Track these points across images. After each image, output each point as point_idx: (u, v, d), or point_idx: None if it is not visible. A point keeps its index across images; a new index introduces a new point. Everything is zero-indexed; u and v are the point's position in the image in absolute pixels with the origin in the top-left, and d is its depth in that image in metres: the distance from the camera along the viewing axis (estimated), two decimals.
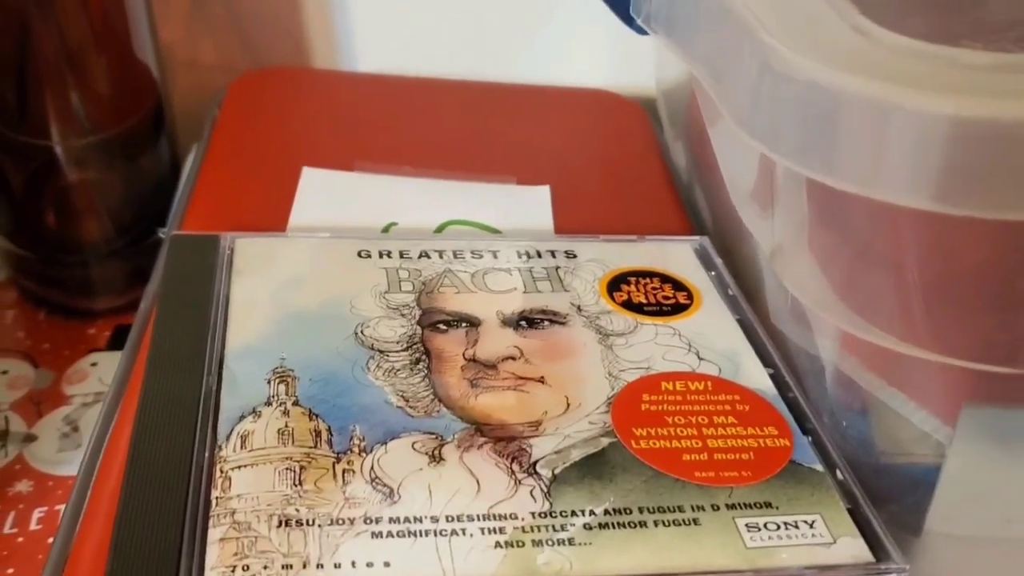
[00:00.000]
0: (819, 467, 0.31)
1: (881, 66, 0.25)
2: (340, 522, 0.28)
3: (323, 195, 0.43)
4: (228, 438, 0.30)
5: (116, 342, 0.46)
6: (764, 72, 0.26)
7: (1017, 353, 0.27)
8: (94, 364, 0.45)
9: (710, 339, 0.36)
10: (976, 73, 0.25)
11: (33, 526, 0.37)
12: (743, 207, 0.35)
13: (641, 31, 0.36)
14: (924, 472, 0.32)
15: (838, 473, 0.31)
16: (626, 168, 0.49)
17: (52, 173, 0.45)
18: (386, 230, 0.41)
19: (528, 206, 0.44)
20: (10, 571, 0.35)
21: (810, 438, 0.32)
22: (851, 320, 0.30)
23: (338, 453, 0.30)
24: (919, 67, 0.25)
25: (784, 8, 0.28)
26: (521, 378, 0.34)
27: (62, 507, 0.38)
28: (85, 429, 0.42)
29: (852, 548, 0.29)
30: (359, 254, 0.39)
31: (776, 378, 0.35)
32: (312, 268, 0.37)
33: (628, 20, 0.36)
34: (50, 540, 0.36)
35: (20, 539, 0.37)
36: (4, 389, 0.43)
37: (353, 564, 0.27)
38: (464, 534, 0.28)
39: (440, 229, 0.42)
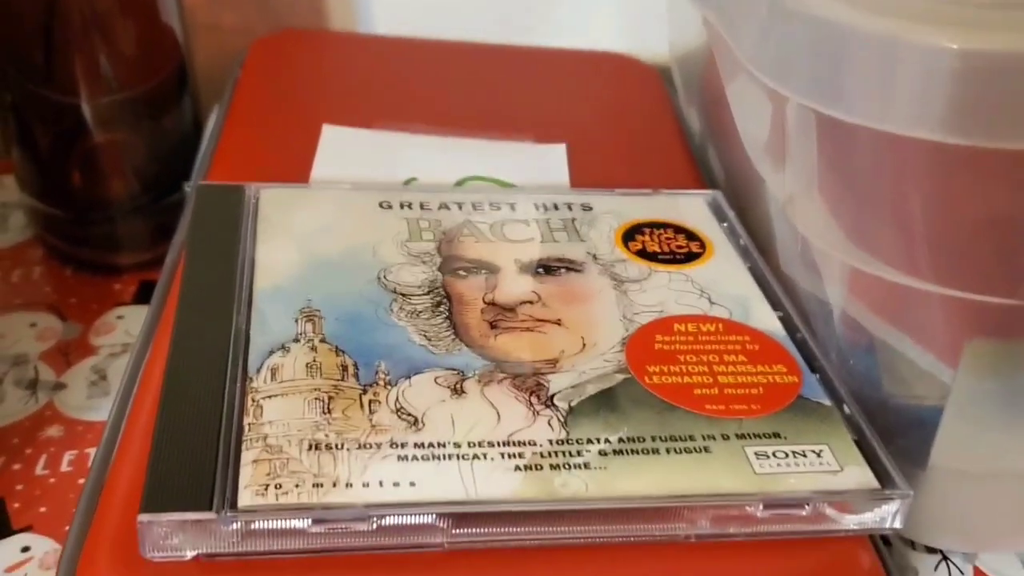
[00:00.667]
0: (826, 402, 0.32)
1: (888, 2, 0.26)
2: (367, 446, 0.29)
3: (343, 152, 0.44)
4: (259, 371, 0.31)
5: (141, 296, 0.47)
6: (774, 10, 0.27)
7: (1018, 285, 0.29)
8: (120, 317, 0.46)
9: (721, 285, 0.37)
10: (980, 9, 0.26)
11: (64, 467, 0.39)
12: (759, 159, 0.36)
13: None
14: (930, 412, 0.33)
15: (845, 408, 0.32)
16: (641, 129, 0.50)
17: (79, 133, 0.46)
18: (406, 185, 0.43)
19: (545, 163, 0.45)
20: (43, 509, 0.37)
21: (818, 375, 0.33)
22: (859, 257, 0.31)
23: (364, 385, 0.31)
24: (925, 3, 0.26)
25: None
26: (539, 320, 0.35)
27: (92, 450, 0.39)
28: (113, 378, 0.43)
29: (858, 476, 0.30)
30: (380, 205, 0.40)
31: (785, 320, 0.36)
32: (335, 218, 0.39)
33: None
34: (81, 481, 0.38)
35: (52, 480, 0.38)
36: (33, 341, 0.45)
37: (380, 483, 0.28)
38: (485, 458, 0.29)
39: (459, 184, 0.43)
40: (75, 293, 0.47)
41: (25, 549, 0.35)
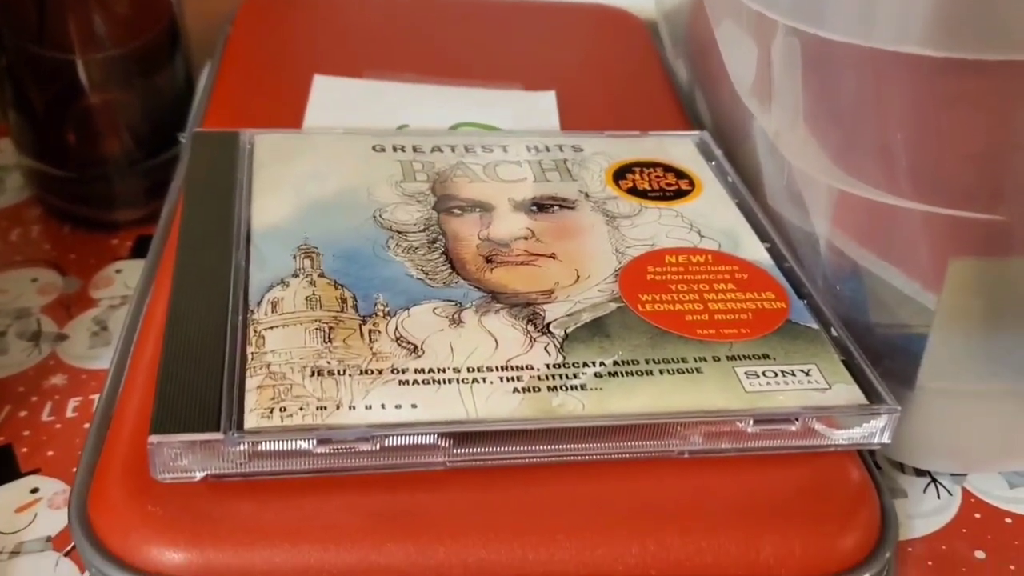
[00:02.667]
0: (814, 325, 0.33)
1: None
2: (369, 372, 0.30)
3: (335, 101, 0.45)
4: (259, 304, 0.32)
5: (138, 251, 0.48)
6: None
7: (998, 201, 0.29)
8: (119, 271, 0.47)
9: (710, 219, 0.38)
10: None
11: (69, 413, 0.39)
12: (749, 99, 0.37)
13: None
14: (916, 339, 0.34)
15: (832, 330, 0.33)
16: (629, 77, 0.50)
17: (73, 92, 0.47)
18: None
19: (535, 110, 0.46)
20: (50, 453, 0.37)
21: (806, 301, 0.34)
22: (845, 180, 0.32)
23: (364, 316, 0.32)
24: None
25: None
26: (533, 254, 0.35)
27: (96, 396, 0.40)
28: (113, 328, 0.43)
29: (846, 393, 0.31)
30: (374, 148, 0.40)
31: (773, 251, 0.37)
32: (329, 161, 0.39)
33: None
34: (86, 426, 0.38)
35: (58, 425, 0.39)
36: (35, 295, 0.45)
37: (383, 406, 0.29)
38: (484, 382, 0.30)
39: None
40: (74, 249, 0.48)
41: (34, 491, 0.36)
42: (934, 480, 0.37)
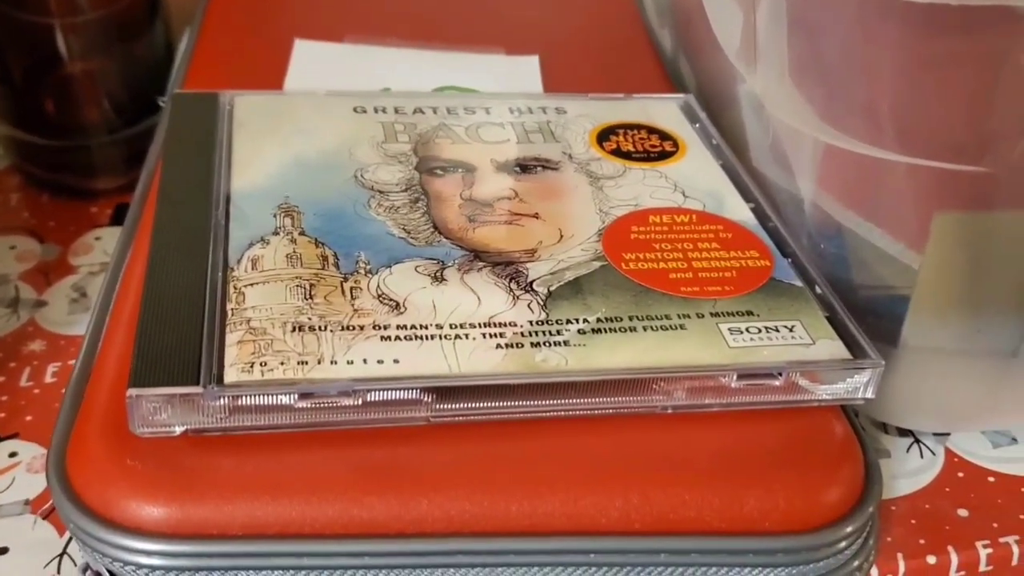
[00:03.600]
0: (798, 283, 0.33)
1: None
2: (351, 328, 0.29)
3: (316, 65, 0.44)
4: (239, 261, 0.31)
5: (118, 219, 0.48)
6: None
7: (983, 152, 0.29)
8: (98, 238, 0.46)
9: (695, 180, 0.38)
10: None
11: (48, 379, 0.39)
12: (737, 60, 0.37)
13: None
14: (898, 300, 0.34)
15: (816, 288, 0.33)
16: (614, 43, 0.50)
17: (52, 59, 0.46)
18: None
19: (518, 74, 0.46)
20: (28, 418, 0.37)
21: (790, 260, 0.34)
22: (831, 134, 0.32)
23: (345, 274, 0.31)
24: None
25: None
26: (516, 214, 0.35)
27: (75, 361, 0.39)
28: (92, 295, 0.43)
29: (830, 348, 0.31)
30: (355, 110, 0.40)
31: (757, 211, 0.36)
32: (310, 122, 0.39)
33: None
34: (64, 390, 0.38)
35: (36, 391, 0.38)
36: (13, 262, 0.45)
37: (365, 361, 0.28)
38: (467, 338, 0.30)
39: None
40: (53, 217, 0.48)
41: (12, 455, 0.36)
42: (917, 440, 0.37)
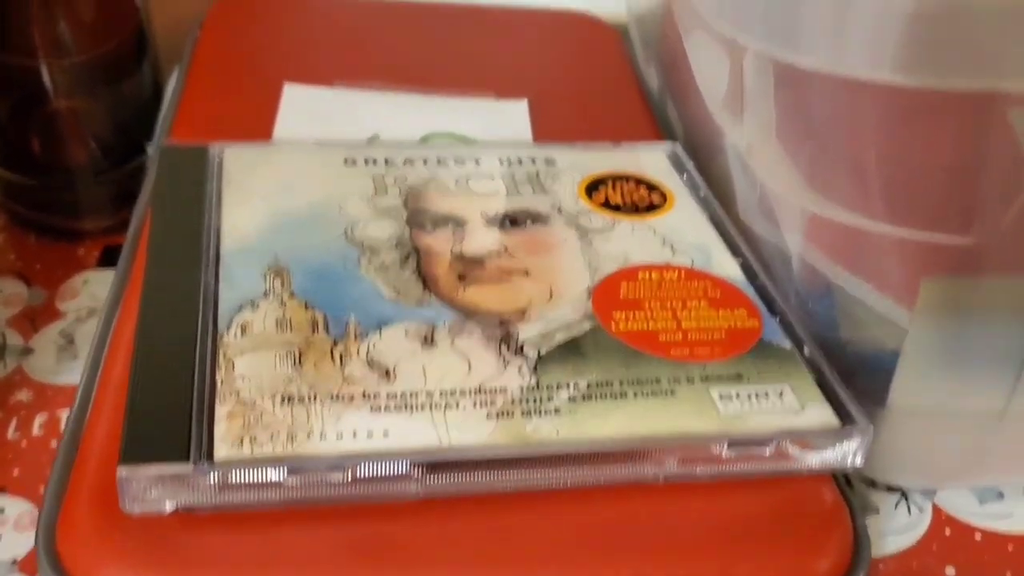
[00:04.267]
0: (787, 344, 0.33)
1: None
2: (340, 398, 0.29)
3: (305, 110, 0.44)
4: (228, 327, 0.31)
5: (105, 261, 0.47)
6: None
7: (969, 224, 0.29)
8: (85, 282, 0.46)
9: (683, 234, 0.38)
10: None
11: (35, 431, 0.39)
12: (719, 112, 0.37)
13: None
14: (887, 356, 0.34)
15: (805, 349, 0.33)
16: (601, 86, 0.50)
17: (38, 98, 0.46)
18: (369, 142, 0.43)
19: (507, 119, 0.46)
20: (15, 472, 0.37)
21: (778, 319, 0.34)
22: (816, 201, 0.32)
23: (335, 339, 0.31)
24: None
25: None
26: (506, 271, 0.35)
27: (63, 413, 0.39)
28: (80, 342, 0.43)
29: (819, 414, 0.31)
30: (345, 161, 0.40)
31: (745, 267, 0.36)
32: (300, 174, 0.39)
33: None
34: (53, 444, 0.38)
35: (23, 443, 0.38)
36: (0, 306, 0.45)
37: (354, 434, 0.28)
38: (457, 407, 0.30)
39: (422, 141, 0.44)
40: (39, 259, 0.47)
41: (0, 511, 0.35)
42: (905, 496, 0.37)
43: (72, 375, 0.41)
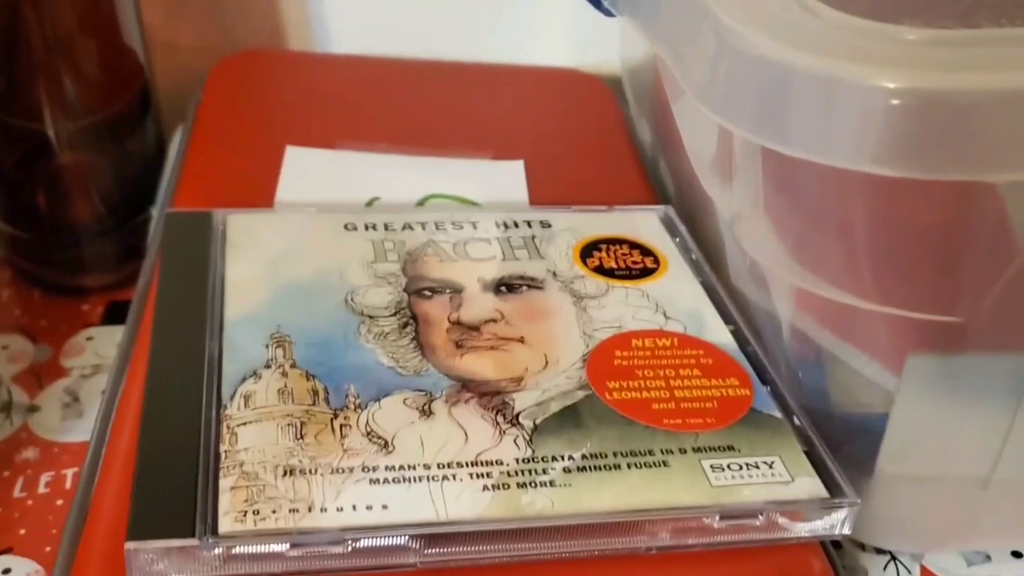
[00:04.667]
0: (777, 414, 0.34)
1: (826, 42, 0.28)
2: (340, 471, 0.30)
3: (307, 172, 0.45)
4: (232, 398, 0.32)
5: (109, 317, 0.48)
6: (721, 49, 0.29)
7: (956, 303, 0.30)
8: (90, 338, 0.47)
9: (676, 300, 0.39)
10: (913, 48, 0.28)
11: (41, 489, 0.39)
12: (705, 177, 0.38)
13: (608, 13, 0.38)
14: (876, 420, 0.35)
15: (795, 419, 0.34)
16: (594, 143, 0.51)
17: (43, 155, 0.47)
18: (369, 204, 0.44)
19: (504, 180, 0.47)
20: (22, 531, 0.37)
21: (769, 388, 0.35)
22: (804, 277, 0.33)
23: (335, 410, 0.32)
24: (861, 43, 0.28)
25: None
26: (502, 338, 0.36)
27: (68, 472, 0.40)
28: (85, 399, 0.43)
29: (808, 486, 0.32)
30: (345, 227, 0.41)
31: (737, 334, 0.37)
32: (301, 241, 0.40)
33: (596, 3, 0.39)
34: (59, 502, 0.38)
35: (29, 502, 0.39)
36: (5, 363, 0.45)
37: (354, 507, 0.29)
38: (455, 479, 0.30)
39: (421, 203, 0.45)
40: (44, 315, 0.48)
41: (6, 571, 0.36)
42: (894, 558, 0.37)
43: (76, 433, 0.42)
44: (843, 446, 0.34)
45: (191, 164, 0.46)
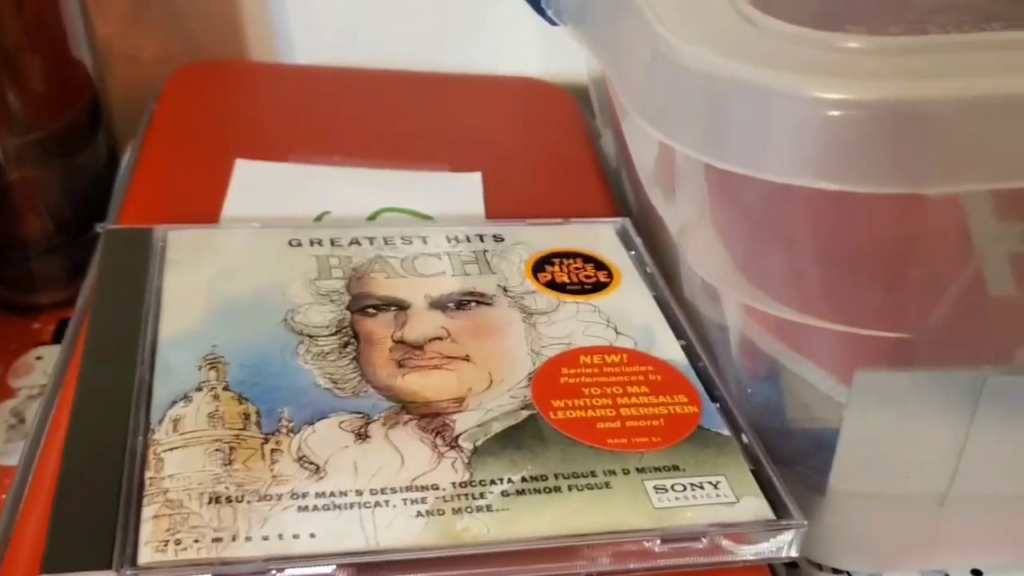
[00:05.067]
0: (725, 432, 0.33)
1: (764, 52, 0.27)
2: (268, 498, 0.29)
3: (256, 186, 0.44)
4: (160, 422, 0.31)
5: (61, 336, 0.47)
6: (656, 60, 0.28)
7: (903, 319, 0.29)
8: (39, 358, 0.46)
9: (628, 315, 0.38)
10: (854, 56, 0.27)
11: None
12: (651, 190, 0.37)
13: (552, 22, 0.37)
14: (829, 435, 0.34)
15: (743, 437, 0.33)
16: (556, 154, 0.50)
17: None
18: (319, 219, 0.43)
19: (460, 192, 0.46)
20: None
21: (718, 405, 0.34)
22: (751, 294, 0.32)
23: (266, 434, 0.31)
24: (800, 52, 0.27)
25: None
26: (447, 357, 0.35)
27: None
28: (31, 420, 0.42)
29: (754, 507, 0.31)
30: (290, 243, 0.40)
31: (688, 349, 0.36)
32: (244, 258, 0.39)
33: (540, 11, 0.38)
34: None
35: None
36: None
37: (280, 536, 0.28)
38: (387, 505, 0.29)
39: (373, 217, 0.44)
40: None
41: None
42: None
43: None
44: (796, 463, 0.33)
45: (139, 178, 0.45)
